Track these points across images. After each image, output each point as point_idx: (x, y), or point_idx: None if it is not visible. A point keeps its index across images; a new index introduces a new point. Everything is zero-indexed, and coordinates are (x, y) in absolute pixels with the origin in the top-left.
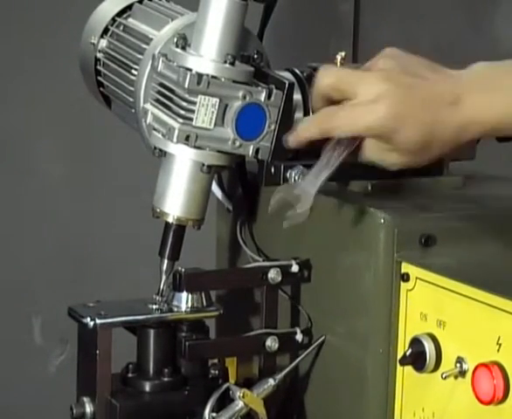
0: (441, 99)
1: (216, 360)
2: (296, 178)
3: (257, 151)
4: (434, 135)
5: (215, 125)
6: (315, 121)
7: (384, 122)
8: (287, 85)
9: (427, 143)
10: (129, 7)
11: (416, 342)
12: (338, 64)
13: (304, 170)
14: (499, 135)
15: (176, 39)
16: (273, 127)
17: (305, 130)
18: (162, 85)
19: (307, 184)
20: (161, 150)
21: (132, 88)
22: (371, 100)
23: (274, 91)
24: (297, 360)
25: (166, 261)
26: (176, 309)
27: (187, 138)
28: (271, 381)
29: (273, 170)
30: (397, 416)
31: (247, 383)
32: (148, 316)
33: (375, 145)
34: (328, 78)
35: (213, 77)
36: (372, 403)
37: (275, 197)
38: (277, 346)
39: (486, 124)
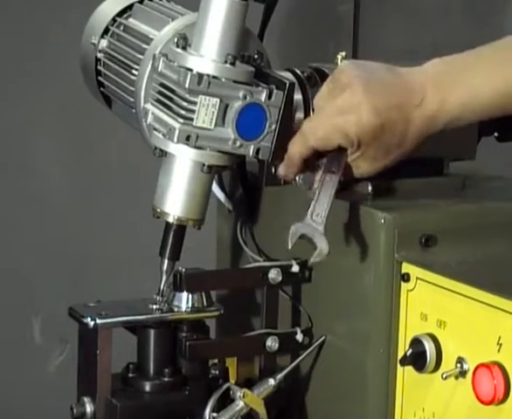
0: (407, 99)
1: (216, 360)
2: (296, 178)
3: (257, 151)
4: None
5: (215, 125)
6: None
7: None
8: (287, 86)
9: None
10: (130, 7)
11: (416, 342)
12: (339, 63)
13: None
14: (465, 122)
15: (176, 39)
16: (273, 127)
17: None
18: (162, 85)
19: (317, 225)
20: (161, 150)
21: (132, 88)
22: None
23: (275, 91)
24: (297, 360)
25: (166, 261)
26: (176, 309)
27: (187, 138)
28: (271, 381)
29: (273, 170)
30: (398, 416)
31: (248, 383)
32: (149, 316)
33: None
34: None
35: (214, 77)
36: (372, 403)
37: (292, 233)
38: (277, 346)
39: (451, 113)
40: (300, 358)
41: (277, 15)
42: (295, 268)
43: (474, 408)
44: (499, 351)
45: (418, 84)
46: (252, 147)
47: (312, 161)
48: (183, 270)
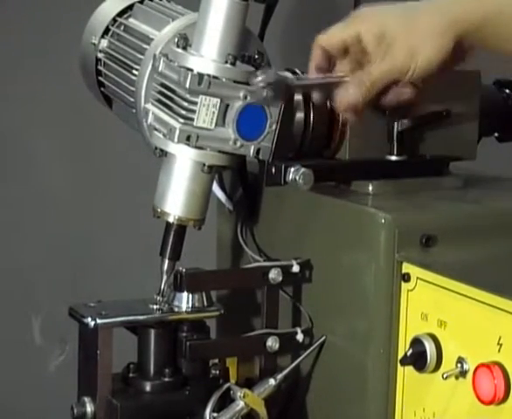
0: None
1: (217, 360)
2: (297, 178)
3: (258, 151)
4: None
5: (216, 125)
6: None
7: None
8: None
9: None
10: (130, 7)
11: (417, 342)
12: None
13: (305, 170)
14: (482, 39)
15: (177, 39)
16: (273, 127)
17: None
18: (163, 85)
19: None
20: (162, 150)
21: (133, 88)
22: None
23: None
24: (298, 360)
25: (167, 261)
26: (176, 309)
27: (188, 138)
28: (272, 381)
29: (273, 170)
30: (398, 416)
31: (248, 383)
32: (149, 316)
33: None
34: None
35: (214, 77)
36: (373, 403)
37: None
38: (278, 346)
39: (472, 17)
40: (301, 358)
41: (277, 15)
42: (296, 268)
43: (475, 408)
44: (499, 351)
45: None
46: (253, 147)
47: None
48: (184, 270)
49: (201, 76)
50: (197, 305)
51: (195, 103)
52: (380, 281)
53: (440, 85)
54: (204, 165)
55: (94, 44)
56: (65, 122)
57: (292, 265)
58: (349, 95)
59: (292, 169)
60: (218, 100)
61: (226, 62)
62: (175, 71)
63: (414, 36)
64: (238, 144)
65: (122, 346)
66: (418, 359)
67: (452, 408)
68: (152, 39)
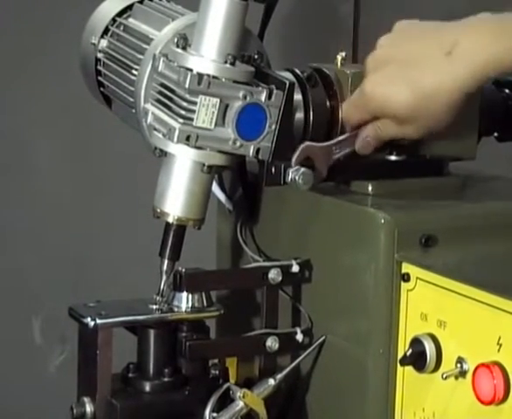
0: (431, 52)
1: (216, 360)
2: (296, 178)
3: (257, 151)
4: (427, 92)
5: (215, 125)
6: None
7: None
8: (287, 86)
9: (422, 104)
10: (130, 7)
11: (416, 342)
12: (339, 64)
13: (304, 170)
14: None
15: (176, 39)
16: (273, 127)
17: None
18: (162, 85)
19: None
20: (161, 150)
21: (132, 88)
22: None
23: (275, 91)
24: (297, 361)
25: (166, 261)
26: (176, 309)
27: (187, 138)
28: (271, 382)
29: (273, 170)
30: (398, 416)
31: (248, 383)
32: (149, 316)
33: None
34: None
35: (214, 77)
36: (372, 403)
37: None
38: (277, 346)
39: (487, 64)
40: (301, 358)
41: (277, 15)
42: (295, 268)
43: (474, 409)
44: (499, 351)
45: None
46: (252, 147)
47: None
48: (183, 270)
49: (200, 76)
50: (196, 305)
51: (194, 103)
52: (380, 281)
53: None
54: (204, 165)
55: (94, 44)
56: (65, 122)
57: (291, 265)
58: (368, 144)
59: (292, 169)
60: (218, 100)
61: (226, 62)
62: (174, 71)
63: (430, 118)
64: (238, 144)
65: (122, 346)
66: (417, 359)
67: (451, 409)
68: (152, 39)
